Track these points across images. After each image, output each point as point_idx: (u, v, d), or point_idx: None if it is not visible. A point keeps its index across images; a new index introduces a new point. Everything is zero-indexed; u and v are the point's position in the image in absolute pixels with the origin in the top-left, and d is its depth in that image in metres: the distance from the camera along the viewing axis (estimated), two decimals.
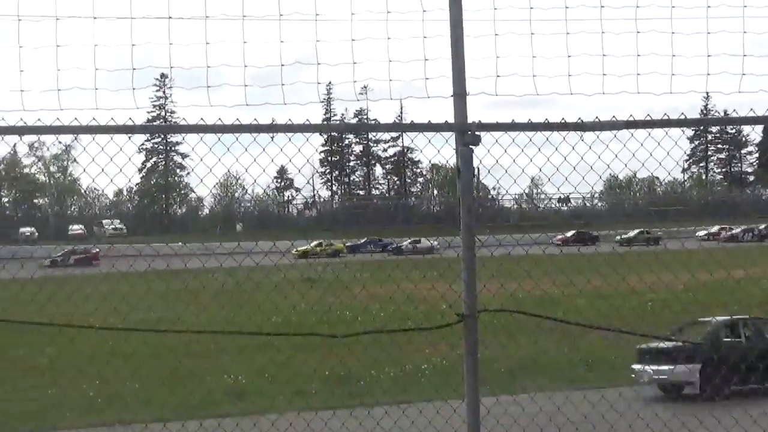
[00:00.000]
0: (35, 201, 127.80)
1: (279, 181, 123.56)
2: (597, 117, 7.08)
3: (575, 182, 7.73)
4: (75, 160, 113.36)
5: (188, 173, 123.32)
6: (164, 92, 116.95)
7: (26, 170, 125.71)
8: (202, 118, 6.74)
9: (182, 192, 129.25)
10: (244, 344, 22.01)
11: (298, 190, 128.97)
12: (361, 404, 14.61)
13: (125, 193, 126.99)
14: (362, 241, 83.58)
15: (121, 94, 7.11)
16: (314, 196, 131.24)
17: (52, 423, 15.29)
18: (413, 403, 13.44)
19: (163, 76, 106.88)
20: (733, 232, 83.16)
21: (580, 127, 7.10)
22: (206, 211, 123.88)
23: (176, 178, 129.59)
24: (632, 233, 77.76)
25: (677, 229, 78.70)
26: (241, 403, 17.15)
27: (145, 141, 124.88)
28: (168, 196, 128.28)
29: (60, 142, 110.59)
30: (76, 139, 9.92)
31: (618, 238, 74.23)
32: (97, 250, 63.53)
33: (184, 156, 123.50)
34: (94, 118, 6.65)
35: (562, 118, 7.08)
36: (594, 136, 7.31)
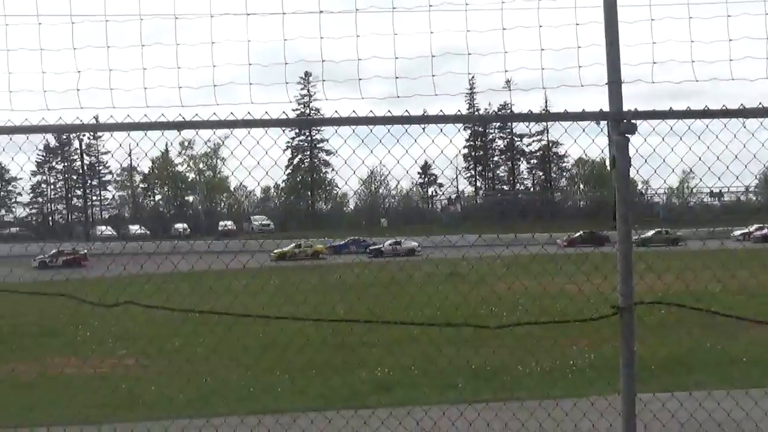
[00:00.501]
0: (186, 198, 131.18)
1: (423, 176, 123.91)
2: (760, 103, 6.82)
3: (732, 175, 7.47)
4: (224, 159, 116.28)
5: (333, 170, 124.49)
6: (308, 90, 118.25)
7: (177, 168, 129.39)
8: (354, 111, 6.82)
9: (327, 188, 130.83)
10: (393, 338, 22.12)
11: (441, 185, 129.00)
12: (512, 398, 14.46)
13: (272, 190, 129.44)
14: (344, 241, 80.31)
15: (272, 89, 7.25)
16: (458, 191, 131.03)
17: (210, 411, 15.64)
18: (564, 398, 13.25)
19: (306, 74, 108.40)
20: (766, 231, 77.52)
21: (742, 113, 6.86)
22: (351, 207, 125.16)
23: (321, 174, 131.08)
24: (650, 233, 73.24)
25: (710, 230, 73.57)
26: (390, 396, 17.18)
27: (291, 139, 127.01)
28: (313, 193, 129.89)
29: (209, 141, 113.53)
30: (232, 133, 10.05)
31: (635, 238, 70.14)
32: (85, 251, 63.80)
33: (329, 153, 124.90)
34: (249, 113, 6.80)
35: (723, 105, 6.85)
36: (757, 124, 7.05)
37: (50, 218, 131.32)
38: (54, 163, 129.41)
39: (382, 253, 72.08)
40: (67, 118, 6.86)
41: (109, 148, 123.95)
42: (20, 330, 28.47)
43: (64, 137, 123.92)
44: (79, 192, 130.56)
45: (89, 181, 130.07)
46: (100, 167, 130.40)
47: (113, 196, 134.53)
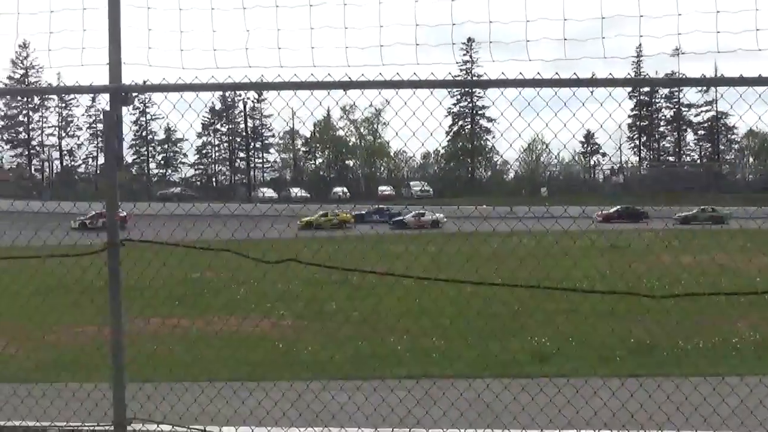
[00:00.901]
0: (347, 162, 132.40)
1: (585, 145, 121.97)
2: None
3: None
4: (386, 123, 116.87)
5: (494, 137, 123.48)
6: (471, 57, 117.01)
7: (338, 133, 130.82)
8: (520, 73, 6.67)
9: (488, 155, 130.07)
10: (549, 309, 21.88)
11: (605, 155, 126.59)
12: (675, 373, 14.10)
13: (432, 156, 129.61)
14: (365, 211, 75.31)
15: (437, 50, 7.16)
16: (622, 161, 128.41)
17: (365, 372, 15.81)
18: (729, 374, 12.81)
19: (469, 40, 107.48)
20: None
21: None
22: (511, 175, 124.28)
23: (482, 141, 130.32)
24: (693, 210, 68.92)
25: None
26: (546, 366, 17.02)
27: (452, 105, 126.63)
28: (473, 160, 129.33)
29: (371, 105, 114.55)
30: (397, 93, 9.93)
31: (676, 215, 65.99)
32: (125, 213, 60.41)
33: (490, 120, 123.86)
34: (414, 73, 6.73)
35: None
36: None
37: (214, 179, 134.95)
38: (219, 125, 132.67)
39: (404, 224, 66.91)
40: (235, 76, 6.94)
41: (273, 111, 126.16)
42: (186, 286, 29.30)
43: (230, 100, 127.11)
44: (242, 154, 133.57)
45: (252, 144, 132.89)
46: (263, 130, 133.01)
47: (275, 158, 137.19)
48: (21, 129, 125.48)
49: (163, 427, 8.79)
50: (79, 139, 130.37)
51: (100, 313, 8.04)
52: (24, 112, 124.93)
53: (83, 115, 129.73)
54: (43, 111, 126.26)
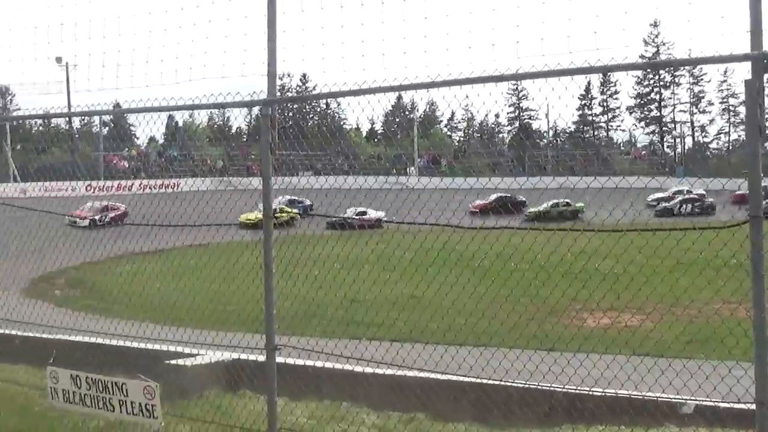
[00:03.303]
0: None
1: None
2: None
3: None
4: None
5: None
6: None
7: None
8: None
9: None
10: None
11: None
12: None
13: None
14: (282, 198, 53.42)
15: None
16: None
17: None
18: None
19: None
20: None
21: None
22: None
23: None
24: (545, 205, 56.52)
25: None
26: None
27: None
28: None
29: None
30: None
31: (529, 212, 53.59)
32: (124, 207, 47.48)
33: None
34: None
35: None
36: None
37: None
38: None
39: (346, 224, 51.90)
40: None
41: None
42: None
43: None
44: None
45: None
46: None
47: None
48: (653, 106, 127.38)
49: None
50: (710, 114, 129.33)
51: (739, 289, 7.83)
52: (655, 89, 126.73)
53: (715, 90, 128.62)
54: (674, 87, 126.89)
